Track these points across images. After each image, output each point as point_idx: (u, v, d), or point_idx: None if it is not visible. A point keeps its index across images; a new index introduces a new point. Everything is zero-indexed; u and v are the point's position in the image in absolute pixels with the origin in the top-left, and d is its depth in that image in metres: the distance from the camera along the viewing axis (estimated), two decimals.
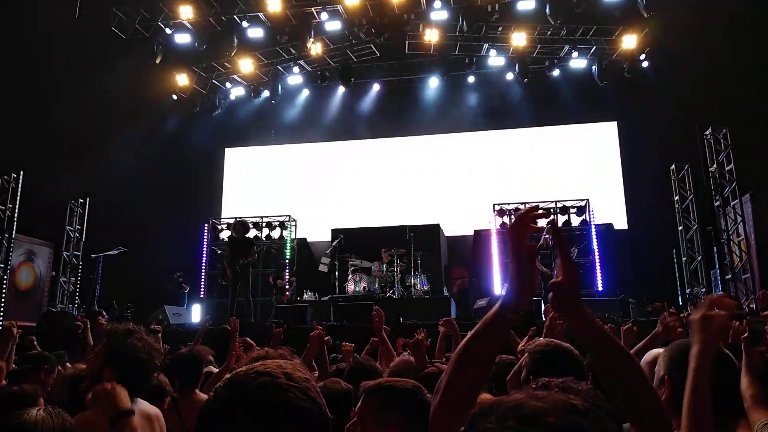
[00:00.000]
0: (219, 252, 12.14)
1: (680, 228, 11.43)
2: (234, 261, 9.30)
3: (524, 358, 2.26)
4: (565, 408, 0.75)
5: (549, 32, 13.39)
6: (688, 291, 10.96)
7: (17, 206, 11.02)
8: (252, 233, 12.19)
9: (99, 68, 12.74)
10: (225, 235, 13.05)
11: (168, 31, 13.20)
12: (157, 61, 13.28)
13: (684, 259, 11.29)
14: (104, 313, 9.23)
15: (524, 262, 1.26)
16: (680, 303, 10.86)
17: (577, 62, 13.90)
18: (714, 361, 1.55)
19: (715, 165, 10.59)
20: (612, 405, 1.24)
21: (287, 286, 11.56)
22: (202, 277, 12.62)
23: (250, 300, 9.49)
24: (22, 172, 11.11)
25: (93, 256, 11.05)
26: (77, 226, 12.71)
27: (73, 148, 12.97)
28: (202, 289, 12.51)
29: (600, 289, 11.16)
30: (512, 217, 12.05)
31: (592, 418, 0.76)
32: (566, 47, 13.72)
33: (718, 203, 10.53)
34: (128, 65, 13.03)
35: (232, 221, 13.06)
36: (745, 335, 2.23)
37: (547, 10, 11.99)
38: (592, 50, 13.60)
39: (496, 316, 1.27)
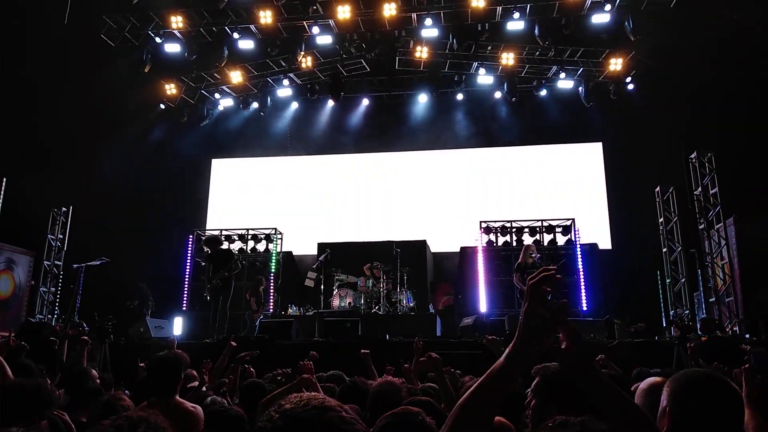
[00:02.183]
0: (203, 264, 11.98)
1: (664, 250, 11.55)
2: (214, 275, 9.21)
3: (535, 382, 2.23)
4: None
5: (537, 53, 13.57)
6: (672, 313, 11.04)
7: None
8: (229, 245, 12.04)
9: (86, 75, 12.63)
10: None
11: (158, 40, 13.14)
12: (146, 70, 13.19)
13: (668, 280, 11.39)
14: (84, 324, 9.04)
15: (537, 320, 1.24)
16: (664, 324, 10.94)
17: (565, 83, 14.09)
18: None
19: (699, 188, 10.73)
20: None
21: (255, 308, 11.09)
22: (185, 289, 12.45)
23: (226, 313, 9.26)
24: (4, 180, 10.93)
25: (75, 266, 10.86)
26: (59, 235, 12.50)
27: (57, 155, 12.80)
28: (184, 302, 12.34)
29: (585, 308, 11.21)
30: (498, 234, 12.11)
31: None
32: (554, 68, 13.91)
33: (702, 226, 10.66)
34: (116, 73, 12.94)
35: (216, 233, 12.96)
36: (746, 366, 2.22)
37: (536, 31, 12.17)
38: (579, 71, 13.79)
39: (501, 370, 1.25)
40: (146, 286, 11.73)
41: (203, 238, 10.78)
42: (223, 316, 9.18)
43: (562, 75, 13.92)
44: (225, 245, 10.73)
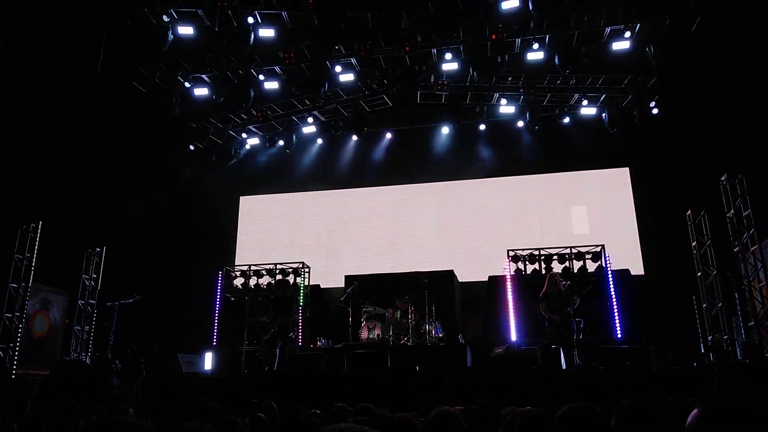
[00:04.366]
0: (260, 300, 12.09)
1: (699, 274, 11.26)
2: (274, 318, 9.70)
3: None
4: None
5: (558, 81, 13.64)
6: (709, 338, 10.70)
7: (35, 255, 11.15)
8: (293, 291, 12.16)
9: (118, 120, 13.12)
10: (238, 282, 13.06)
11: (187, 84, 13.60)
12: (176, 113, 13.63)
13: (704, 305, 11.08)
14: (117, 362, 9.17)
15: None
16: (702, 350, 10.60)
17: (588, 110, 14.07)
18: None
19: (732, 211, 10.52)
20: None
21: None
22: (215, 325, 12.56)
23: (285, 354, 9.82)
24: (41, 222, 11.29)
25: (108, 304, 11.08)
26: (93, 275, 12.79)
27: (91, 197, 13.21)
28: (215, 338, 12.43)
29: (619, 336, 10.93)
30: (527, 263, 11.98)
31: None
32: (576, 95, 13.93)
33: (737, 249, 10.41)
34: (147, 116, 13.41)
35: (245, 268, 13.12)
36: None
37: (557, 61, 12.23)
38: (601, 98, 13.78)
39: None
40: (153, 333, 11.86)
41: (277, 280, 11.14)
42: (282, 358, 9.64)
43: (585, 102, 13.91)
44: (290, 289, 11.13)
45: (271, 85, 13.68)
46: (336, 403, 4.97)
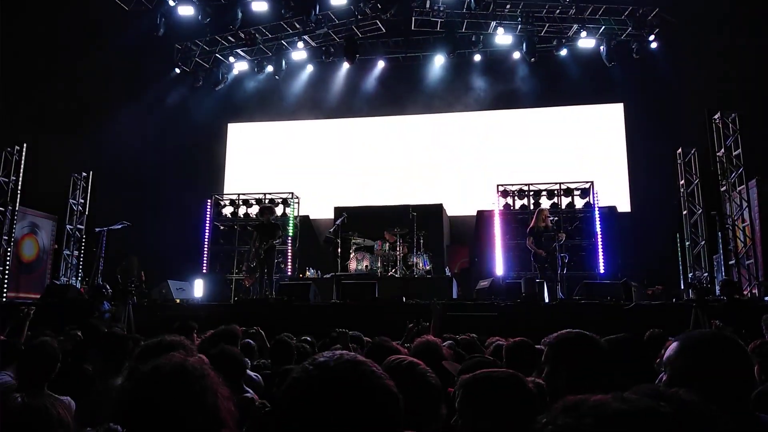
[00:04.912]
0: (248, 229, 11.88)
1: (684, 212, 11.40)
2: (261, 244, 9.56)
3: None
4: (648, 412, 0.73)
5: (558, 11, 13.21)
6: (690, 275, 10.98)
7: (20, 178, 11.00)
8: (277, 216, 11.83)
9: (101, 40, 12.62)
10: (227, 211, 13.06)
11: (171, 3, 13.01)
12: (160, 34, 13.11)
13: (687, 243, 11.28)
14: (107, 286, 9.24)
15: None
16: (682, 287, 10.89)
17: (586, 42, 13.71)
18: None
19: (722, 150, 10.52)
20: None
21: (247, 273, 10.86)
22: (205, 252, 12.65)
23: (273, 281, 9.81)
24: (24, 144, 11.06)
25: (96, 230, 11.06)
26: (81, 200, 12.69)
27: (75, 121, 12.91)
28: (204, 265, 12.56)
29: (602, 271, 11.19)
30: (515, 198, 12.05)
31: (677, 427, 0.74)
32: (575, 26, 13.53)
33: (724, 188, 10.49)
34: (130, 37, 12.89)
35: (234, 197, 13.08)
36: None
37: None
38: (600, 30, 13.41)
39: None
40: (136, 260, 11.67)
41: (262, 204, 10.89)
42: (270, 283, 9.63)
43: (583, 34, 13.53)
44: (275, 215, 10.80)
45: (260, 6, 13.13)
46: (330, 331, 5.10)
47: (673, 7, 12.06)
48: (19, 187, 10.99)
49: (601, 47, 13.47)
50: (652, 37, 13.00)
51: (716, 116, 10.66)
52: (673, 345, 1.86)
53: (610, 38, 13.35)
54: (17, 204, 10.99)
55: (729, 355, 1.66)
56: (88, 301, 8.79)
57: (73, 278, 12.27)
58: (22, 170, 11.02)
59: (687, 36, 12.32)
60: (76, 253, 12.57)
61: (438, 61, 14.67)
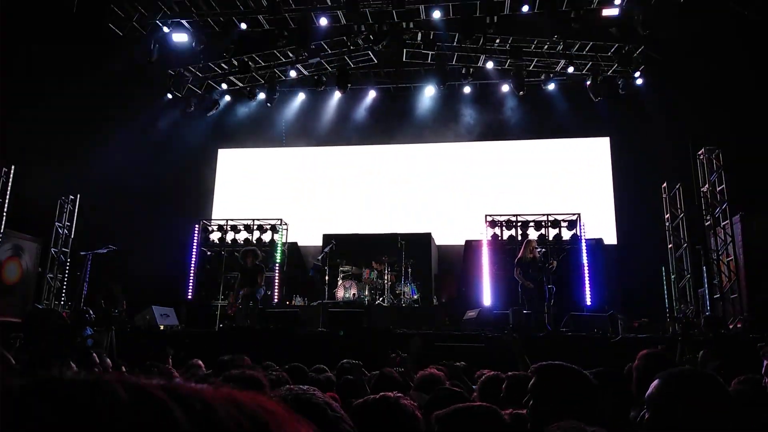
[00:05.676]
0: (234, 274, 11.27)
1: (670, 246, 11.51)
2: (240, 287, 9.46)
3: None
4: None
5: (546, 46, 13.50)
6: (676, 309, 11.03)
7: (6, 201, 10.91)
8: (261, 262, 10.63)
9: (93, 65, 12.66)
10: (215, 236, 12.98)
11: (165, 29, 13.14)
12: (153, 60, 13.20)
13: (673, 276, 11.37)
14: (90, 311, 9.11)
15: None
16: (668, 320, 10.92)
17: (573, 77, 13.99)
18: None
19: (707, 185, 10.68)
20: None
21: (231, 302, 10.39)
22: (191, 278, 12.53)
23: (258, 311, 9.59)
24: (13, 167, 11.00)
25: (82, 253, 10.94)
26: (67, 223, 12.58)
27: (65, 144, 12.88)
28: (190, 291, 12.43)
29: (588, 303, 11.21)
30: (503, 228, 12.11)
31: None
32: (562, 62, 13.82)
33: (708, 223, 10.62)
34: (124, 62, 12.95)
35: (222, 222, 13.02)
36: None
37: (545, 25, 12.08)
38: (588, 66, 13.70)
39: None
40: (118, 287, 11.45)
41: (245, 249, 10.37)
42: (261, 312, 9.52)
43: (571, 69, 13.82)
44: (260, 259, 10.16)
45: (254, 35, 13.28)
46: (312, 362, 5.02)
47: (659, 44, 12.36)
48: (5, 210, 10.89)
49: (587, 82, 13.75)
50: (637, 74, 13.30)
51: (701, 152, 10.86)
52: (655, 383, 1.88)
53: (596, 74, 13.64)
54: (2, 226, 10.88)
55: (708, 393, 1.69)
56: (71, 326, 8.64)
57: (56, 302, 12.08)
58: (8, 193, 10.94)
59: (672, 73, 12.61)
60: (60, 276, 12.40)
61: (428, 92, 14.88)
